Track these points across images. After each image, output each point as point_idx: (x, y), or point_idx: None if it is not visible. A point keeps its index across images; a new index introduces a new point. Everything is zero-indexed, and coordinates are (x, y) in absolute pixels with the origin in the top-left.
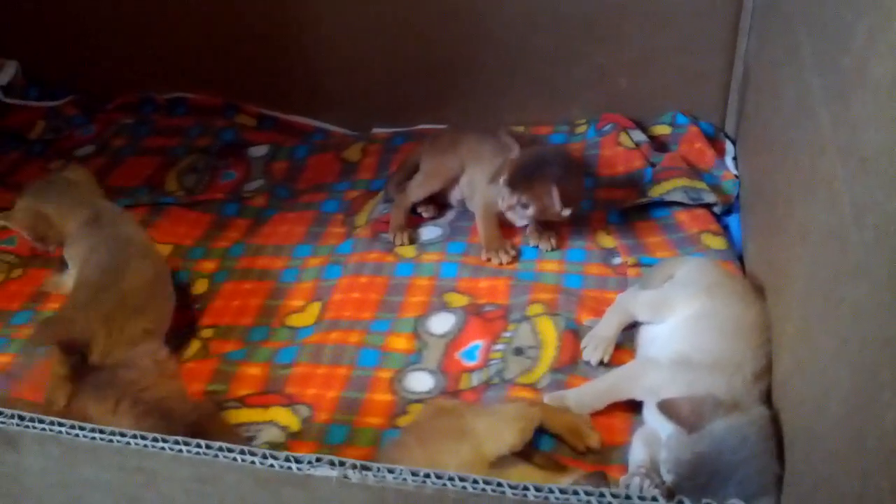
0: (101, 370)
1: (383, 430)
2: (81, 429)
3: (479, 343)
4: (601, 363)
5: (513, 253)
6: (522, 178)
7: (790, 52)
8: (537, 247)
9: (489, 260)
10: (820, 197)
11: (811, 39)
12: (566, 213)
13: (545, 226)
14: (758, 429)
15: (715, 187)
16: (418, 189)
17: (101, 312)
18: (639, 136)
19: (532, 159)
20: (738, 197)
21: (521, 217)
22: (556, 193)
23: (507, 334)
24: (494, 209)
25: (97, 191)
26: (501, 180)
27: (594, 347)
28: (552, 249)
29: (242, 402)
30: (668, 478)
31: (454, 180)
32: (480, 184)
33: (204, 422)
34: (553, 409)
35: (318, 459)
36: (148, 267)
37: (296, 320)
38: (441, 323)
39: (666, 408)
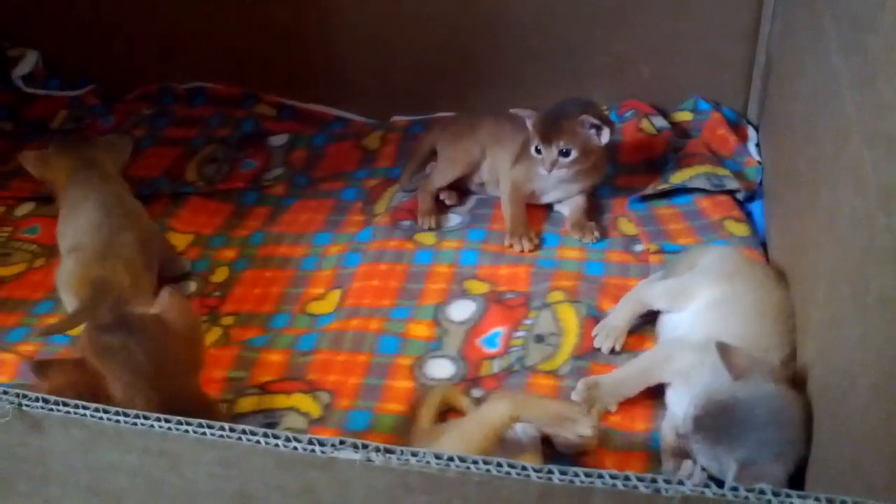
0: (134, 333)
1: (405, 417)
2: (105, 412)
3: (500, 330)
4: (612, 351)
5: (536, 241)
6: (552, 127)
7: (814, 36)
8: (580, 239)
9: (511, 246)
10: (846, 182)
11: (836, 23)
12: (606, 136)
13: (585, 218)
14: (801, 407)
15: (738, 174)
16: (440, 175)
17: (123, 258)
18: (661, 122)
19: (551, 110)
20: (760, 183)
21: (567, 171)
22: (588, 118)
23: (528, 321)
24: (522, 192)
25: (118, 159)
26: (533, 147)
27: (606, 335)
28: (597, 241)
29: (264, 388)
30: (691, 412)
31: (475, 165)
32: (504, 166)
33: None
34: (529, 399)
35: (341, 442)
36: (148, 223)
37: (316, 307)
38: (461, 310)
39: (722, 350)
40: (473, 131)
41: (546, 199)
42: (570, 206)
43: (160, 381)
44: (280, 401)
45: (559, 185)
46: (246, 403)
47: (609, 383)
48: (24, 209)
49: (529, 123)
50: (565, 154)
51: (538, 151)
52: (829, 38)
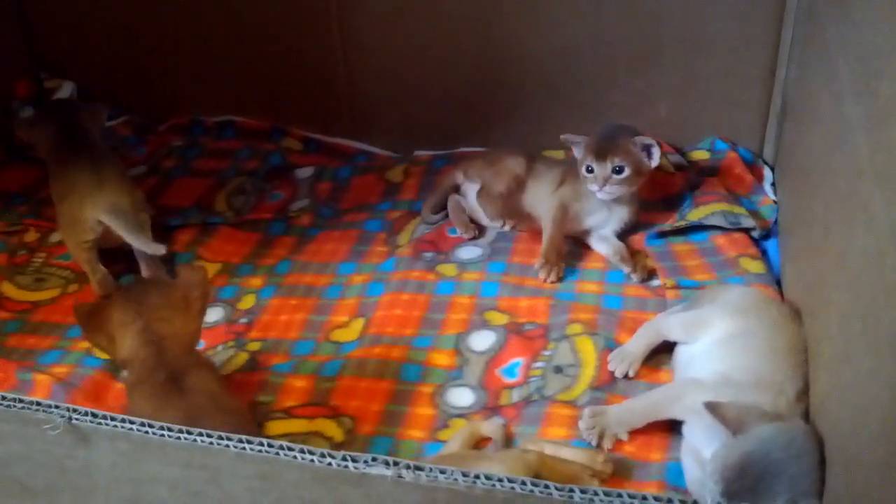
0: (140, 283)
1: (425, 444)
2: (151, 426)
3: (520, 360)
4: (626, 377)
5: (560, 275)
6: (607, 145)
7: (829, 79)
8: (630, 273)
9: (539, 271)
10: (858, 220)
11: (849, 68)
12: (655, 159)
13: (632, 253)
14: (803, 433)
15: (753, 212)
16: (496, 183)
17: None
18: (677, 160)
19: (605, 131)
20: (776, 222)
21: (618, 188)
22: (641, 139)
23: (547, 352)
24: (568, 212)
25: (97, 122)
26: (584, 167)
27: (621, 360)
28: (644, 280)
29: (289, 412)
30: (715, 489)
31: (522, 182)
32: (545, 191)
33: (188, 371)
34: (552, 459)
35: (373, 459)
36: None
37: (340, 335)
38: (482, 340)
39: (712, 408)
40: (514, 155)
41: (587, 223)
42: (609, 244)
43: (156, 321)
44: (304, 425)
45: (601, 209)
46: (272, 427)
47: (616, 412)
48: (57, 236)
49: (581, 146)
50: (618, 171)
51: (589, 170)
52: (843, 83)
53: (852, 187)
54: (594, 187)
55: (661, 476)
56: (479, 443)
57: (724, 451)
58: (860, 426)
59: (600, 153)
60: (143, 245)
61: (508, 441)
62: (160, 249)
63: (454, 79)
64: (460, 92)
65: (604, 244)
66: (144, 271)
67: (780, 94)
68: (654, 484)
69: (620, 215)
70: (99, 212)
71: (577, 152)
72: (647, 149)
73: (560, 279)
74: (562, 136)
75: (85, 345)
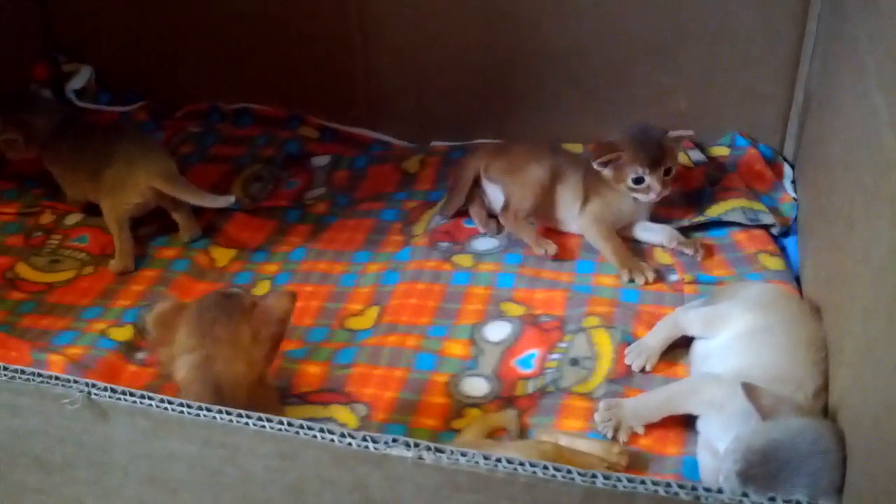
0: (218, 301)
1: (439, 432)
2: (170, 402)
3: (535, 352)
4: (643, 370)
5: (650, 272)
6: (655, 153)
7: (855, 74)
8: (693, 255)
9: (632, 281)
10: (883, 214)
11: (878, 63)
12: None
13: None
14: (831, 431)
15: (773, 209)
16: (520, 203)
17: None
18: (697, 155)
19: (643, 136)
20: (795, 219)
21: (664, 189)
22: (675, 134)
23: (563, 345)
24: (607, 223)
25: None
26: (630, 178)
27: (638, 354)
28: (702, 258)
29: (303, 398)
30: (734, 468)
31: (547, 190)
32: (569, 204)
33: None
34: (567, 450)
35: (394, 440)
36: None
37: (355, 323)
38: (497, 331)
39: (748, 390)
40: (538, 159)
41: (620, 223)
42: (661, 233)
43: (217, 360)
44: (318, 411)
45: (629, 204)
46: (287, 413)
47: (631, 406)
48: (73, 218)
49: (623, 160)
50: (667, 173)
51: (638, 182)
52: (870, 77)
53: (879, 182)
54: (650, 196)
55: (676, 470)
56: (493, 433)
57: (751, 435)
58: (882, 422)
59: (654, 163)
60: (209, 201)
61: (523, 432)
62: (229, 200)
63: (471, 69)
64: (477, 82)
65: (651, 233)
66: (184, 234)
67: (802, 88)
68: (670, 477)
69: (645, 204)
70: (153, 178)
71: (617, 164)
72: (678, 140)
73: (658, 274)
74: (594, 163)
75: (100, 326)
